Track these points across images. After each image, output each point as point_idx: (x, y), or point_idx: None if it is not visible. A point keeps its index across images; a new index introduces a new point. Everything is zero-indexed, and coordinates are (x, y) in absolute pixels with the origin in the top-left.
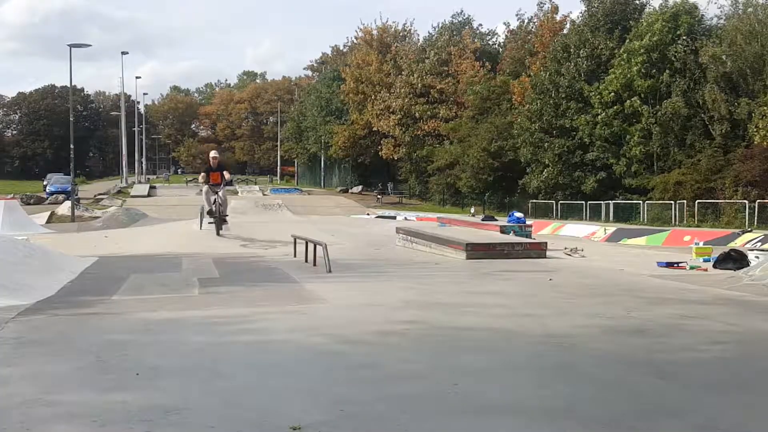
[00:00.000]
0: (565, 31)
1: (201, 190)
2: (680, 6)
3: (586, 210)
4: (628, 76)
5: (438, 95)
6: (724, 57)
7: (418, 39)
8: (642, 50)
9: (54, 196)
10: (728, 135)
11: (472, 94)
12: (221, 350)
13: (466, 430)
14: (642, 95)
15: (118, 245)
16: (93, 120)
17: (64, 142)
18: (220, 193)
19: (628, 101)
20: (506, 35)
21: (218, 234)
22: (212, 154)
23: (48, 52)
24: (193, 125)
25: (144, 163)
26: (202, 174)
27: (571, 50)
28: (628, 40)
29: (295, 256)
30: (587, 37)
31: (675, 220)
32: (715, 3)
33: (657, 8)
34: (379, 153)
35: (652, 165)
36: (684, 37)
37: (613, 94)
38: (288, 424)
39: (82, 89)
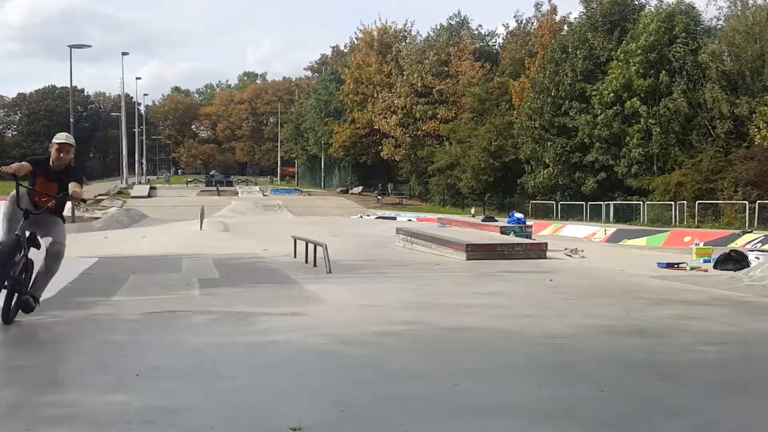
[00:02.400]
0: (564, 32)
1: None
2: (675, 6)
3: (586, 211)
4: (627, 76)
5: (438, 96)
6: (724, 55)
7: (420, 40)
8: (639, 51)
9: None
10: (730, 134)
11: (470, 96)
12: (221, 351)
13: (466, 430)
14: (642, 95)
15: (118, 246)
16: (93, 121)
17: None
18: (48, 237)
19: (628, 102)
20: (505, 36)
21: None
22: (58, 139)
23: (49, 53)
24: (194, 126)
25: (144, 163)
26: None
27: (569, 51)
28: (625, 42)
29: (295, 256)
30: (586, 37)
31: (675, 221)
32: (714, 4)
33: (652, 9)
34: (380, 153)
35: (651, 166)
36: (683, 35)
37: (612, 94)
38: (288, 425)
39: (83, 90)
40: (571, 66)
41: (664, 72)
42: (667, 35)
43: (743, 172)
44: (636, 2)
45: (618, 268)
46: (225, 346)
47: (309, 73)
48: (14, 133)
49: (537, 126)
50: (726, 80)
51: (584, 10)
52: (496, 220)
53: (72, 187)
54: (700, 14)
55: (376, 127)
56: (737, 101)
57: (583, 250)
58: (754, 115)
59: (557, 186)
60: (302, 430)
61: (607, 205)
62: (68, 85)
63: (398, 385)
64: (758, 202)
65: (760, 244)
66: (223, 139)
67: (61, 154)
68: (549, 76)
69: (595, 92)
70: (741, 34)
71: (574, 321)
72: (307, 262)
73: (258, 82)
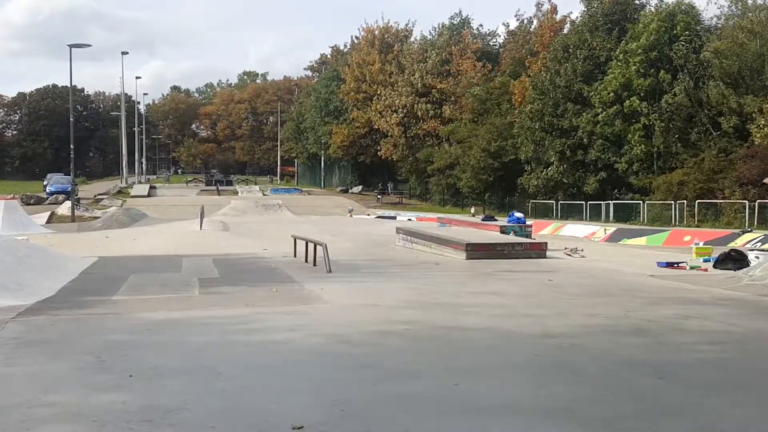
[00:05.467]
0: (565, 31)
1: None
2: (676, 6)
3: (586, 210)
4: (627, 76)
5: (439, 95)
6: (727, 48)
7: (419, 37)
8: (639, 50)
9: (54, 196)
10: (734, 132)
11: (470, 96)
12: (221, 350)
13: (467, 430)
14: (641, 94)
15: (118, 245)
16: (93, 120)
17: (64, 143)
18: None
19: (627, 101)
20: (506, 36)
21: None
22: None
23: (50, 52)
24: (194, 125)
25: (144, 163)
26: None
27: (571, 50)
28: (624, 42)
29: (295, 256)
30: (586, 37)
31: (675, 220)
32: (715, 3)
33: (653, 9)
34: (378, 152)
35: (652, 165)
36: (686, 33)
37: (612, 94)
38: (288, 425)
39: (83, 89)
40: (573, 66)
41: (663, 71)
42: (667, 34)
43: (745, 171)
44: (636, 2)
45: (618, 267)
46: (225, 345)
47: (309, 73)
48: (14, 132)
49: (537, 128)
50: (729, 78)
51: (585, 9)
52: (496, 220)
53: None
54: (701, 13)
55: (375, 126)
56: (742, 99)
57: (582, 250)
58: (754, 114)
59: (559, 185)
60: (303, 429)
61: (607, 205)
62: (68, 84)
63: (398, 384)
64: (758, 201)
65: (759, 244)
66: (223, 139)
67: None
68: (551, 76)
69: (593, 92)
70: (744, 31)
71: (574, 320)
72: (307, 261)
73: (258, 81)
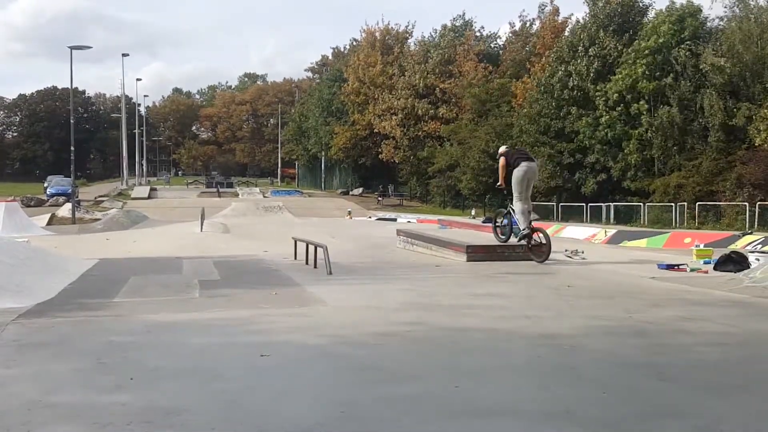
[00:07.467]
0: (566, 33)
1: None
2: (686, 8)
3: (586, 212)
4: (634, 77)
5: (440, 95)
6: (722, 62)
7: (423, 38)
8: (647, 51)
9: (54, 198)
10: (729, 135)
11: (470, 97)
12: (222, 352)
13: (467, 431)
14: (646, 97)
15: (118, 247)
16: (94, 122)
17: (64, 144)
18: None
19: (634, 104)
20: (508, 36)
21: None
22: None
23: (52, 54)
24: (194, 127)
25: (144, 165)
26: None
27: (579, 48)
28: (637, 41)
29: (295, 258)
30: (599, 34)
31: (675, 223)
32: (711, 8)
33: (663, 10)
34: (379, 155)
35: (652, 167)
36: (687, 42)
37: (617, 95)
38: (288, 426)
39: (83, 91)
40: (586, 65)
41: (672, 75)
42: (675, 37)
43: (744, 173)
44: (641, 4)
45: (618, 269)
46: (225, 346)
47: (310, 75)
48: (15, 134)
49: (534, 130)
50: (726, 86)
51: (589, 11)
52: None
53: None
54: (707, 16)
55: (375, 129)
56: (735, 109)
57: (583, 252)
58: (755, 117)
59: (554, 188)
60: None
61: (608, 207)
62: (69, 86)
63: (399, 385)
64: (759, 203)
65: (760, 246)
66: (224, 141)
67: None
68: (559, 77)
69: (599, 93)
70: (740, 39)
71: (575, 322)
72: (307, 263)
73: (259, 83)
